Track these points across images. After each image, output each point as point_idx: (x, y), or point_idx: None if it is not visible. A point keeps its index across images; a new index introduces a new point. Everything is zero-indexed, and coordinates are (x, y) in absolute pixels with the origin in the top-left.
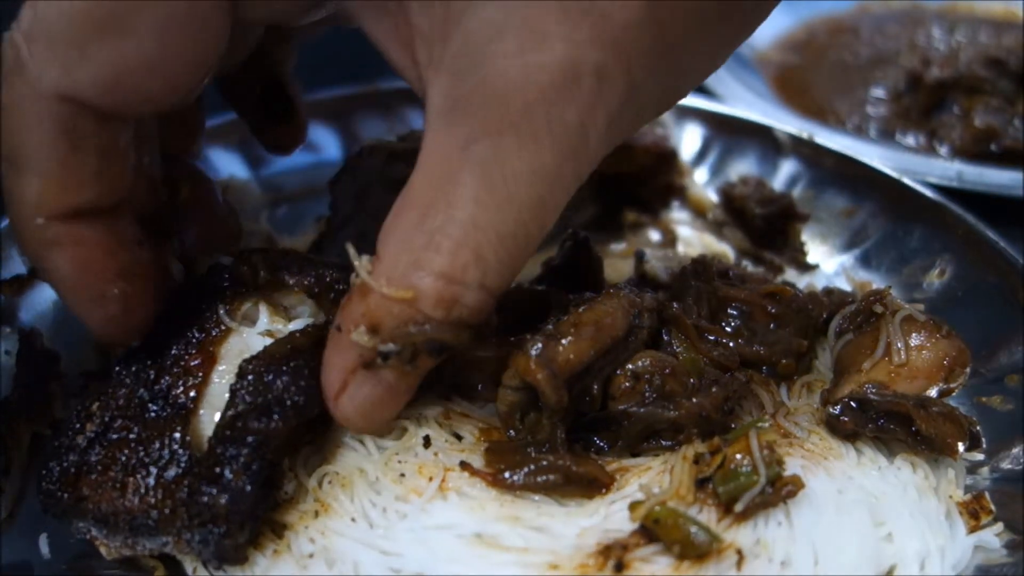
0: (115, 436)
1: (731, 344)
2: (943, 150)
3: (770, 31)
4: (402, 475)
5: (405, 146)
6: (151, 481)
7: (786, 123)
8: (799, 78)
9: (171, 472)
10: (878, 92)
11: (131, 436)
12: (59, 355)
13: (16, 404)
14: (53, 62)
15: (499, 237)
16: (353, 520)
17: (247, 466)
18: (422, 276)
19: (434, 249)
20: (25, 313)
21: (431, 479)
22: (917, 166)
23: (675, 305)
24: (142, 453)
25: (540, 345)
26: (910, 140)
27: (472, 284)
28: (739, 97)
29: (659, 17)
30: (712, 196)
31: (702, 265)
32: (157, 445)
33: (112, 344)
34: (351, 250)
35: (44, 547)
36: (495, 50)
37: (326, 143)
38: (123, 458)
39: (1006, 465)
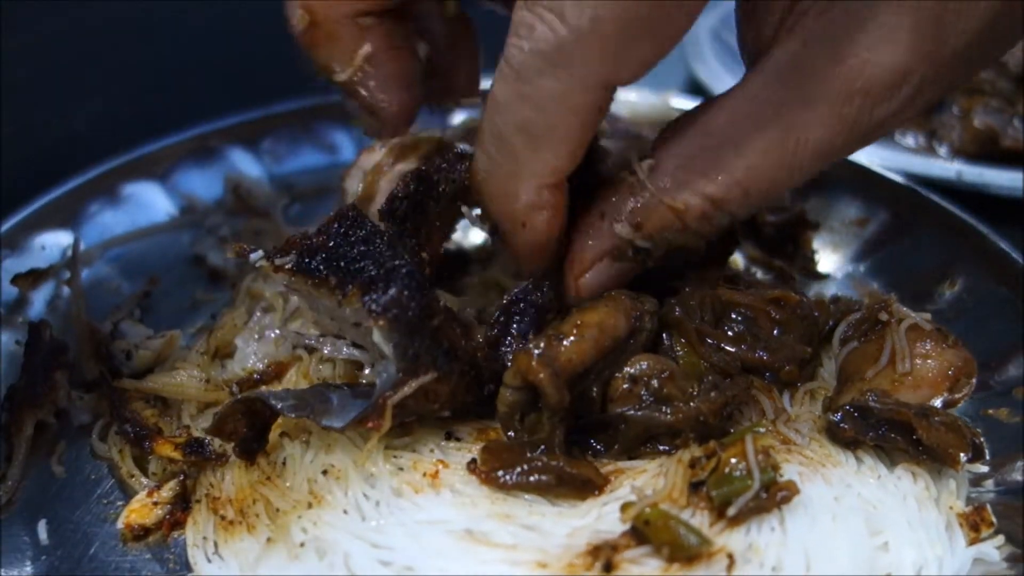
0: None
1: (733, 349)
2: (943, 150)
3: None
4: (399, 470)
5: (414, 141)
6: None
7: None
8: None
9: None
10: None
11: None
12: (67, 346)
13: (22, 392)
14: (604, 58)
15: (769, 186)
16: (346, 512)
17: None
18: (695, 195)
19: (713, 177)
20: (36, 305)
21: (425, 475)
22: (917, 166)
23: (677, 309)
24: None
25: (542, 345)
26: (910, 140)
27: (729, 211)
28: None
29: (978, 51)
30: None
31: (705, 269)
32: None
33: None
34: (633, 156)
35: (43, 533)
36: (851, 36)
37: (342, 145)
38: None
39: (1010, 478)
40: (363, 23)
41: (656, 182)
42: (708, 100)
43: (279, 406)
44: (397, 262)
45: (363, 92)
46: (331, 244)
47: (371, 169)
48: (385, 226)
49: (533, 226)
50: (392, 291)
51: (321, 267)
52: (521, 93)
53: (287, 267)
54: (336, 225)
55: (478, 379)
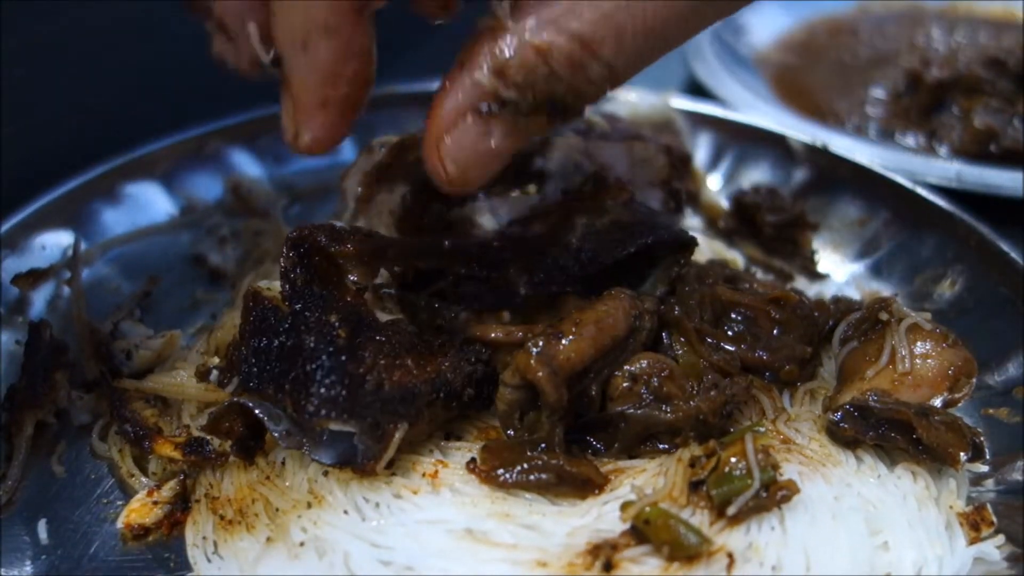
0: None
1: (732, 349)
2: (943, 150)
3: (770, 31)
4: (396, 472)
5: (413, 139)
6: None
7: (785, 123)
8: (799, 78)
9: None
10: (878, 92)
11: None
12: (67, 346)
13: (22, 392)
14: None
15: (644, 28)
16: (346, 512)
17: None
18: (559, 33)
19: (577, 14)
20: (37, 305)
21: (425, 475)
22: (917, 166)
23: (677, 308)
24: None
25: (541, 343)
26: (910, 140)
27: (603, 59)
28: (739, 98)
29: None
30: (724, 203)
31: (705, 269)
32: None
33: (302, 151)
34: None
35: (43, 532)
36: None
37: (342, 145)
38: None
39: (1011, 477)
40: None
41: (518, 20)
42: None
43: (274, 431)
44: (306, 350)
45: (248, 28)
46: (255, 349)
47: (370, 170)
48: (287, 307)
49: (316, 52)
50: (314, 392)
51: (257, 382)
52: None
53: (237, 405)
54: (249, 326)
55: (449, 395)
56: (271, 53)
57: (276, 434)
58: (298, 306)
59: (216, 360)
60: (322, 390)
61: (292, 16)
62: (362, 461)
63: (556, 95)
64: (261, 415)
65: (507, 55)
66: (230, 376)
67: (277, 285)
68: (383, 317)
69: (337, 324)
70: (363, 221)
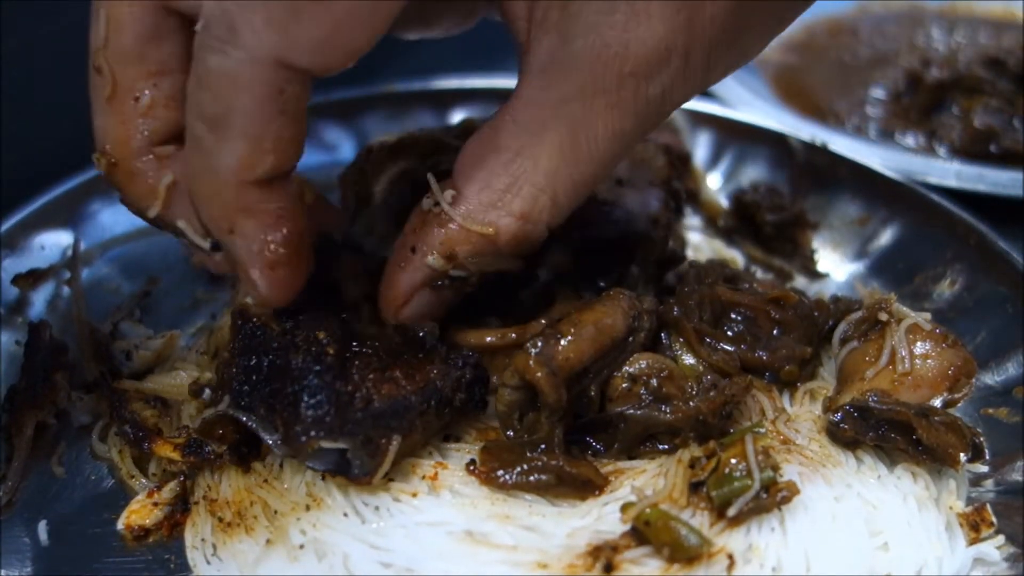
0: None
1: (732, 349)
2: (942, 150)
3: None
4: (395, 475)
5: (411, 139)
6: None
7: (785, 124)
8: (799, 78)
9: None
10: (878, 92)
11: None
12: (67, 346)
13: (22, 393)
14: (270, 28)
15: (574, 186)
16: (345, 515)
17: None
18: (502, 215)
19: (516, 192)
20: (36, 305)
21: (424, 477)
22: (917, 166)
23: (676, 309)
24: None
25: (540, 344)
26: (910, 140)
27: (543, 224)
28: (739, 98)
29: (740, 12)
30: (724, 202)
31: (705, 269)
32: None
33: (268, 306)
34: (433, 182)
35: (43, 534)
36: (604, 21)
37: (340, 143)
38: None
39: (1010, 478)
40: (161, 153)
41: (461, 210)
42: (496, 112)
43: (268, 440)
44: (294, 370)
45: (179, 225)
46: (244, 367)
47: (369, 167)
48: (277, 325)
49: (244, 233)
50: (302, 414)
51: (248, 401)
52: (197, 76)
53: (229, 414)
54: (238, 344)
55: (441, 402)
56: (208, 241)
57: (270, 442)
58: (288, 324)
59: (208, 376)
60: (310, 411)
61: (211, 208)
62: (356, 475)
63: (500, 266)
64: (254, 426)
65: (456, 241)
66: (221, 394)
67: None
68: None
69: (326, 341)
70: (364, 217)
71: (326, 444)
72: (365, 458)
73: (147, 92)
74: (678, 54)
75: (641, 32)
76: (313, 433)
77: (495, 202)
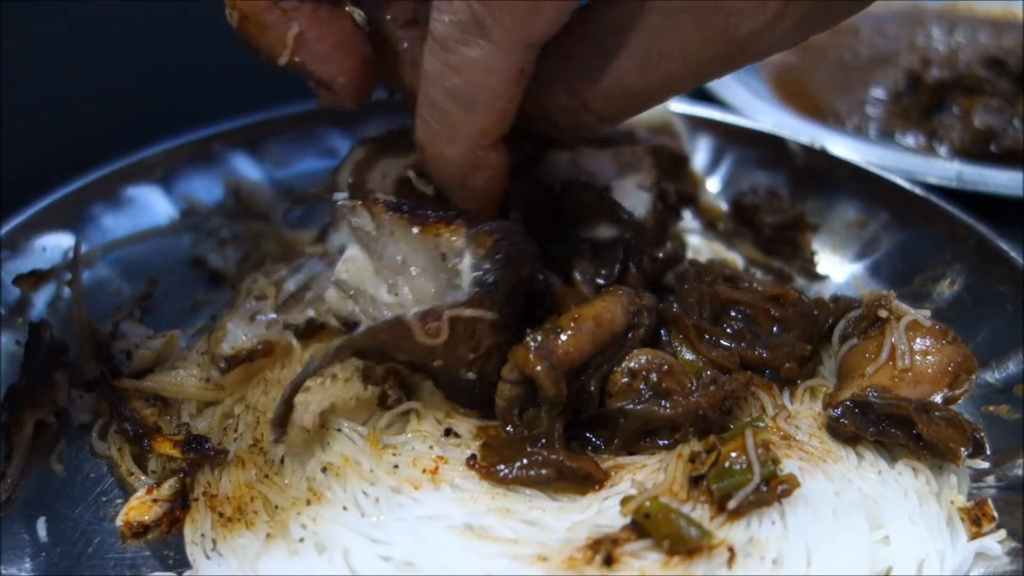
0: None
1: (732, 346)
2: (943, 150)
3: None
4: (396, 467)
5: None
6: None
7: (785, 124)
8: (799, 78)
9: None
10: (878, 92)
11: None
12: (67, 345)
13: (22, 392)
14: (518, 21)
15: (629, 94)
16: (345, 509)
17: None
18: (562, 92)
19: (581, 76)
20: (37, 306)
21: (425, 471)
22: (917, 166)
23: (676, 306)
24: None
25: (540, 338)
26: (910, 140)
27: (594, 111)
28: (739, 98)
29: None
30: (723, 205)
31: (705, 268)
32: None
33: None
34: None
35: (42, 531)
36: None
37: (343, 148)
38: None
39: (1011, 473)
40: (286, 6)
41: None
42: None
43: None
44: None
45: (309, 69)
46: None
47: (361, 161)
48: None
49: (474, 185)
50: (503, 225)
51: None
52: (447, 63)
53: (383, 202)
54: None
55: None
56: (430, 188)
57: (311, 368)
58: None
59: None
60: (510, 226)
61: (449, 167)
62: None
63: (550, 132)
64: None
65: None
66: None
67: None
68: None
69: None
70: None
71: (471, 259)
72: (462, 298)
73: None
74: (777, 2)
75: None
76: (495, 233)
77: (560, 76)
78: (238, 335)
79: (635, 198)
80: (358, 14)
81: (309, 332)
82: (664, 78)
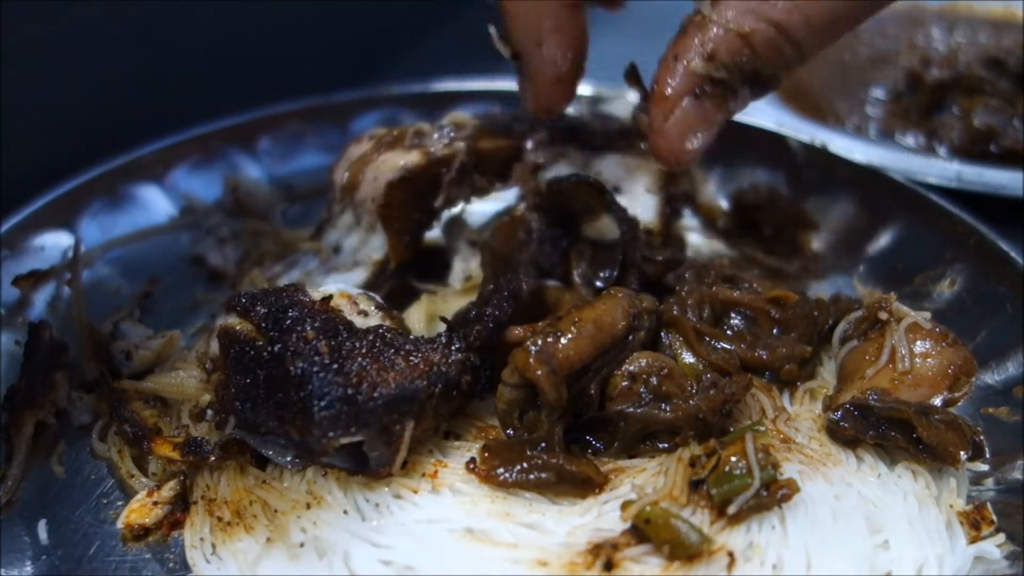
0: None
1: (732, 348)
2: (942, 150)
3: None
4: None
5: (393, 134)
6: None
7: (785, 124)
8: (799, 78)
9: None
10: (878, 92)
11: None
12: (67, 346)
13: (22, 392)
14: None
15: (828, 16)
16: (345, 512)
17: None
18: (758, 20)
19: (772, 3)
20: (37, 306)
21: (425, 475)
22: (917, 166)
23: (676, 308)
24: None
25: (540, 341)
26: (910, 140)
27: (795, 40)
28: None
29: None
30: (723, 204)
31: (704, 269)
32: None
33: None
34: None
35: (43, 533)
36: None
37: (340, 144)
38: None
39: (1010, 476)
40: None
41: (721, 14)
42: None
43: (283, 463)
44: (295, 377)
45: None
46: (242, 387)
47: (356, 159)
48: (263, 336)
49: (549, 46)
50: (317, 416)
51: (253, 418)
52: None
53: (233, 439)
54: (231, 366)
55: (448, 386)
56: (508, 50)
57: (285, 464)
58: (274, 333)
59: (207, 398)
60: (323, 412)
61: (527, 21)
62: (375, 468)
63: (757, 72)
64: (266, 452)
65: (715, 43)
66: (225, 416)
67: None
68: (361, 322)
69: (316, 340)
70: (349, 210)
71: (345, 440)
72: (382, 448)
73: None
74: None
75: None
76: (331, 433)
77: (754, 8)
78: None
79: (643, 200)
80: None
81: None
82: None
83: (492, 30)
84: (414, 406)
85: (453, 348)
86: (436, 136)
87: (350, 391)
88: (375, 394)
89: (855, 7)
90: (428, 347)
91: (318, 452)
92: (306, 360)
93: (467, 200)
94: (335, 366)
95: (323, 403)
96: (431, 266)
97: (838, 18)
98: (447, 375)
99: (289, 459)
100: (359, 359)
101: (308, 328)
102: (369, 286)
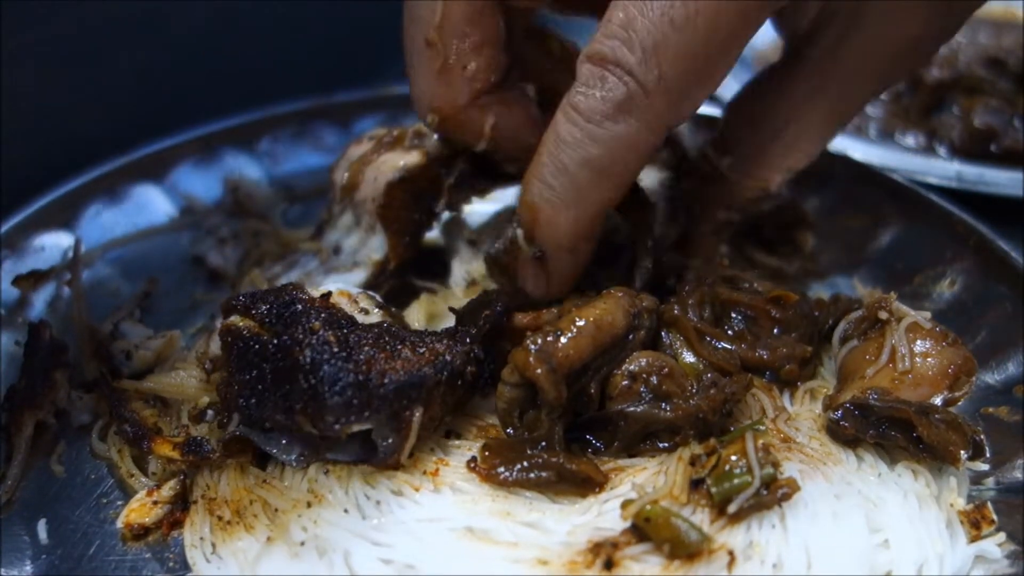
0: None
1: (732, 347)
2: (942, 150)
3: (771, 31)
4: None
5: (399, 133)
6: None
7: None
8: None
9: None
10: None
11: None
12: (67, 346)
13: (22, 392)
14: (670, 108)
15: (824, 146)
16: (346, 511)
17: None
18: (776, 171)
19: (790, 154)
20: (37, 306)
21: (425, 473)
22: (917, 166)
23: (676, 308)
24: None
25: (540, 341)
26: (910, 140)
27: (797, 171)
28: None
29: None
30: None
31: (705, 269)
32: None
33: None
34: (714, 155)
35: (42, 532)
36: (883, 19)
37: (340, 146)
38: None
39: (1010, 476)
40: (482, 103)
41: (739, 172)
42: (761, 83)
43: (285, 459)
44: (304, 366)
45: (501, 148)
46: (247, 382)
47: (356, 159)
48: (269, 331)
49: (579, 252)
50: (330, 404)
51: (259, 413)
52: (591, 134)
53: (238, 435)
54: (235, 362)
55: (453, 375)
56: (532, 249)
57: (290, 461)
58: (279, 327)
59: (206, 400)
60: (336, 398)
61: (566, 233)
62: (384, 456)
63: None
64: (270, 449)
65: (736, 194)
66: (228, 415)
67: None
68: (362, 319)
69: (323, 331)
70: (349, 211)
71: (357, 427)
72: (392, 435)
73: (473, 63)
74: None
75: (907, 28)
76: (344, 419)
77: (769, 163)
78: None
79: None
80: (530, 88)
81: None
82: (844, 124)
83: (519, 232)
84: (422, 392)
85: (457, 339)
86: (436, 137)
87: (361, 377)
88: (385, 380)
89: (836, 134)
90: (433, 338)
91: (328, 441)
92: (315, 350)
93: (468, 201)
94: (344, 354)
95: (335, 389)
96: (430, 266)
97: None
98: (452, 364)
99: (294, 456)
100: (366, 348)
101: (314, 320)
102: (369, 286)
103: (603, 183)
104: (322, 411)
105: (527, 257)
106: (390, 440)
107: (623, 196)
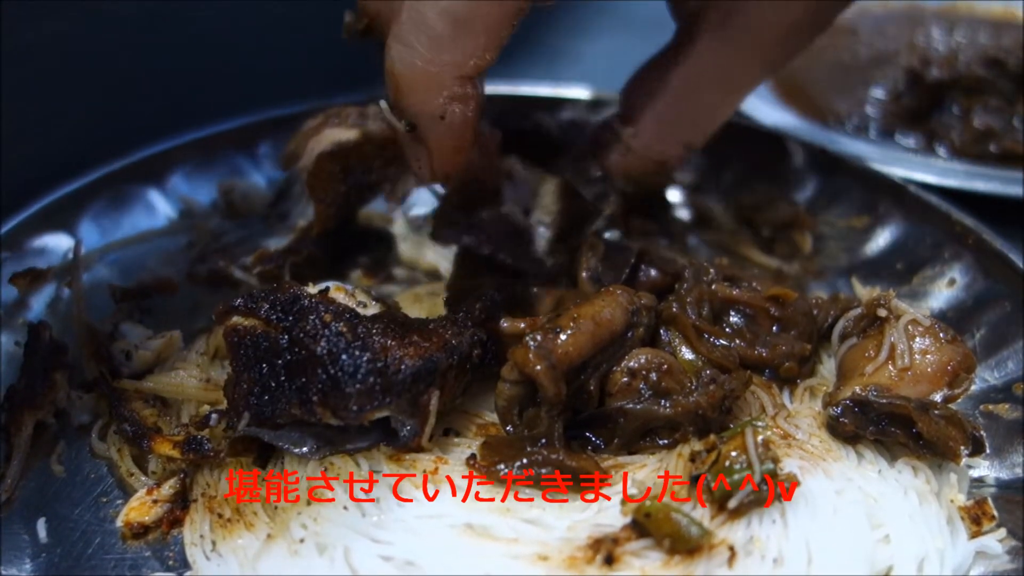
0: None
1: (731, 345)
2: (942, 150)
3: None
4: (399, 466)
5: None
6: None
7: (786, 124)
8: (799, 78)
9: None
10: (878, 92)
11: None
12: (67, 346)
13: (21, 393)
14: None
15: (720, 122)
16: (346, 508)
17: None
18: (674, 146)
19: (687, 129)
20: (36, 307)
21: (424, 470)
22: (917, 166)
23: (675, 306)
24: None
25: (539, 337)
26: (910, 140)
27: (695, 148)
28: None
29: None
30: (722, 204)
31: (704, 268)
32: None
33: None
34: (616, 123)
35: (42, 531)
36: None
37: None
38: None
39: (1010, 472)
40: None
41: (639, 143)
42: (657, 61)
43: (298, 451)
44: (321, 357)
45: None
46: (258, 378)
47: (304, 131)
48: (277, 327)
49: (451, 118)
50: (351, 391)
51: (273, 408)
52: None
53: (248, 432)
54: (241, 360)
55: (462, 358)
56: (402, 122)
57: (303, 454)
58: (287, 322)
59: (206, 408)
60: (358, 385)
61: (428, 94)
62: (407, 440)
63: (661, 183)
64: (281, 445)
65: (633, 166)
66: (236, 416)
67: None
68: (362, 312)
69: (336, 323)
70: (299, 180)
71: (379, 413)
72: (410, 419)
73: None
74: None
75: (785, 13)
76: (367, 406)
77: (669, 137)
78: None
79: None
80: None
81: None
82: (740, 101)
83: (383, 104)
84: (436, 376)
85: (460, 322)
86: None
87: (379, 364)
88: (402, 366)
89: (733, 111)
90: (438, 324)
91: (345, 431)
92: (331, 341)
93: (408, 184)
94: (359, 343)
95: (357, 377)
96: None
97: (724, 120)
98: (461, 348)
99: (307, 449)
100: (378, 337)
101: (324, 312)
102: (289, 250)
103: (467, 36)
104: (344, 400)
105: (404, 135)
106: (411, 425)
107: (490, 61)
